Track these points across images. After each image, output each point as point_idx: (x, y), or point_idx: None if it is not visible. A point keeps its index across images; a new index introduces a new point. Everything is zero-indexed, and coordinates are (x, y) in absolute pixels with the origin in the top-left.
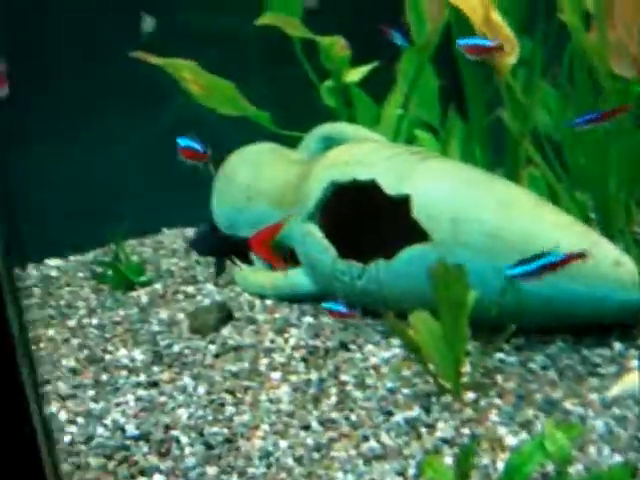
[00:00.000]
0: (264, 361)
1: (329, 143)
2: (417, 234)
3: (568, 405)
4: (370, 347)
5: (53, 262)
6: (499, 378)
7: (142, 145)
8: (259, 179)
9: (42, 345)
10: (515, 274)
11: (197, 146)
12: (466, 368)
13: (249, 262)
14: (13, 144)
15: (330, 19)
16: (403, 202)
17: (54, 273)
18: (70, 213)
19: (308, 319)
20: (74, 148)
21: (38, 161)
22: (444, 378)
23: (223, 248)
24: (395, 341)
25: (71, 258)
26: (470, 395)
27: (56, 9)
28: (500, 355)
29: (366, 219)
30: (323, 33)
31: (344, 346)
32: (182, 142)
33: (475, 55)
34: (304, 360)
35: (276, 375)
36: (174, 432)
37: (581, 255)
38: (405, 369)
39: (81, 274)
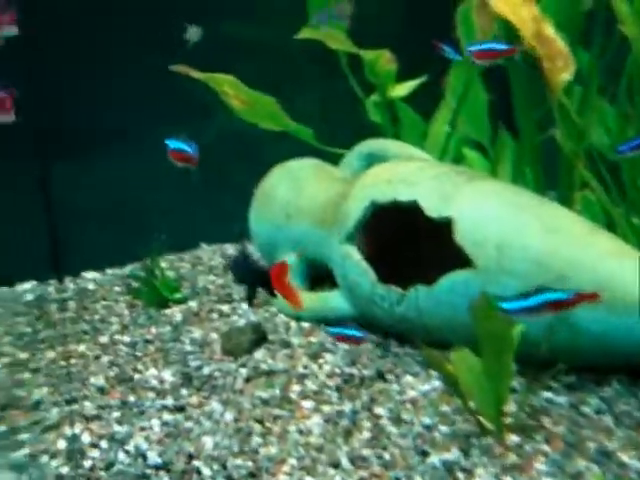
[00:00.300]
0: (296, 388)
1: (372, 160)
2: (460, 260)
3: (625, 457)
4: (408, 378)
5: (90, 275)
6: (547, 421)
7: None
8: (300, 196)
9: (73, 361)
10: (508, 309)
11: (187, 148)
12: (510, 407)
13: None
14: (56, 157)
15: (376, 33)
16: (446, 225)
17: (91, 286)
18: (110, 226)
19: (344, 345)
20: (115, 162)
21: (80, 174)
22: (485, 417)
23: (254, 276)
24: (435, 373)
25: (109, 271)
26: (514, 438)
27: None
28: (548, 394)
29: (407, 241)
30: (369, 47)
31: (381, 376)
32: (172, 144)
33: (486, 60)
34: (338, 389)
35: (308, 404)
36: (196, 462)
37: (593, 296)
38: (444, 404)
39: (117, 288)
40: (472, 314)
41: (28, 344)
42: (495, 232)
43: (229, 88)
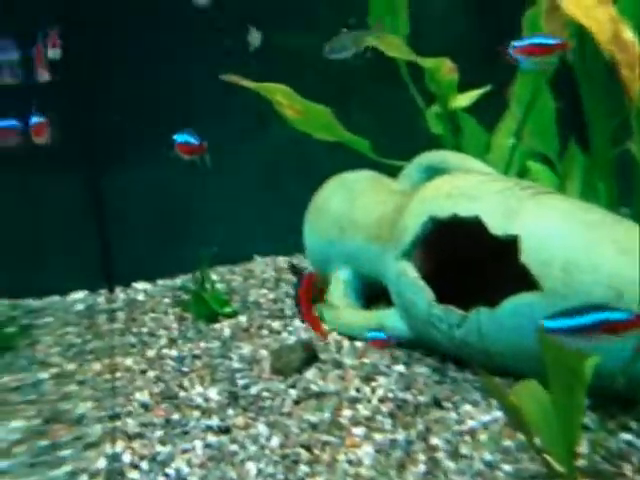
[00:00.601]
0: (347, 413)
1: (432, 173)
2: (525, 281)
3: None
4: (467, 407)
5: (141, 285)
6: (627, 468)
7: (239, 171)
8: (354, 209)
9: (118, 374)
10: (552, 328)
11: (193, 140)
12: (582, 448)
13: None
14: (109, 168)
15: (437, 40)
16: (511, 243)
17: (141, 297)
18: (162, 236)
19: (399, 368)
20: (168, 172)
21: (132, 185)
22: (554, 457)
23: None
24: (497, 402)
25: (159, 282)
26: None
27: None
28: (627, 436)
29: (468, 260)
30: (431, 54)
31: (437, 403)
32: (179, 138)
33: (533, 56)
34: (391, 415)
35: (359, 431)
36: None
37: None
38: (507, 439)
39: (167, 300)
40: (539, 341)
41: (76, 355)
42: (563, 252)
43: (282, 98)
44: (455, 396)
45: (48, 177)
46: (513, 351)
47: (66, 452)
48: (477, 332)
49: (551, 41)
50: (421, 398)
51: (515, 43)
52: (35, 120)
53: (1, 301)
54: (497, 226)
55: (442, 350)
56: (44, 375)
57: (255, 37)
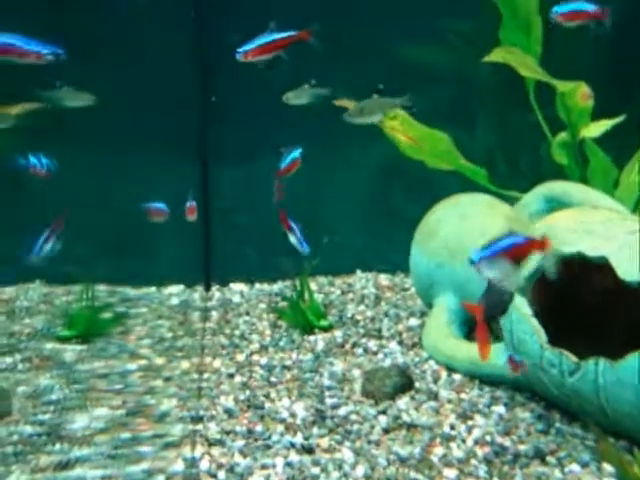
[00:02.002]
0: (439, 450)
1: (553, 204)
2: None
3: None
4: (574, 467)
5: (238, 287)
6: None
7: (350, 184)
8: (466, 234)
9: (206, 375)
10: (477, 259)
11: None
12: None
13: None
14: (218, 167)
15: (570, 63)
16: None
17: (236, 299)
18: (266, 240)
19: (500, 409)
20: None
21: (241, 186)
22: None
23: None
24: (610, 467)
25: (257, 286)
26: None
27: None
28: None
29: (589, 302)
30: (561, 78)
31: (540, 455)
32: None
33: (572, 21)
34: (487, 461)
35: (450, 473)
36: None
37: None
38: None
39: (263, 305)
40: None
41: (166, 350)
42: None
43: (399, 124)
44: (561, 451)
45: (160, 168)
46: (632, 413)
47: (146, 448)
48: (592, 384)
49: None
50: (522, 447)
51: (556, 8)
52: None
53: (100, 286)
54: (627, 272)
55: (549, 397)
56: (132, 366)
57: None
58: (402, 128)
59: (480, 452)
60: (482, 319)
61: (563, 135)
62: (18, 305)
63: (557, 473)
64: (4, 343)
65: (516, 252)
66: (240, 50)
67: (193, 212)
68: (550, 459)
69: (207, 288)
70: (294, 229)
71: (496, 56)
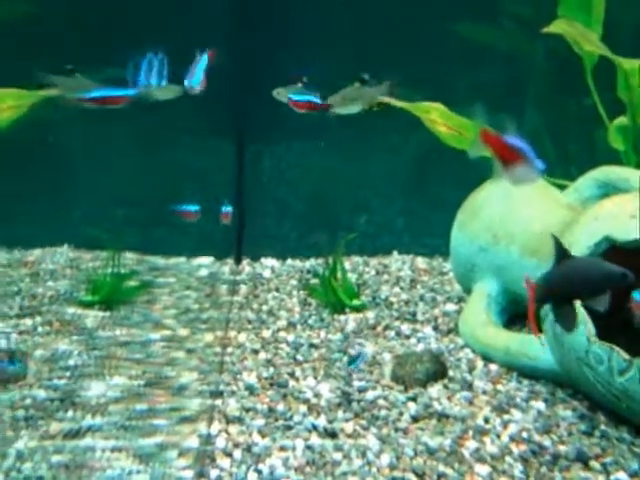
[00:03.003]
0: (471, 444)
1: (607, 190)
2: None
3: None
4: (621, 476)
5: (269, 262)
6: None
7: (391, 163)
8: (513, 218)
9: (229, 350)
10: None
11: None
12: None
13: None
14: (256, 142)
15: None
16: None
17: (267, 274)
18: (302, 216)
19: (539, 405)
20: (316, 155)
21: (278, 162)
22: None
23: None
24: None
25: (289, 262)
26: None
27: None
28: None
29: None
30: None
31: (583, 459)
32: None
33: None
34: (523, 460)
35: (482, 469)
36: None
37: None
38: None
39: (294, 282)
40: None
41: (190, 321)
42: None
43: (437, 116)
44: (606, 457)
45: (197, 145)
46: None
47: (160, 421)
48: None
49: None
50: (562, 448)
51: None
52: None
53: (130, 254)
54: None
55: (594, 396)
56: (155, 336)
57: None
58: (441, 120)
59: (516, 449)
60: (532, 299)
61: (622, 119)
62: (43, 268)
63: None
64: (25, 305)
65: None
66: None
67: (228, 217)
68: (594, 464)
69: (238, 262)
70: None
71: (557, 27)
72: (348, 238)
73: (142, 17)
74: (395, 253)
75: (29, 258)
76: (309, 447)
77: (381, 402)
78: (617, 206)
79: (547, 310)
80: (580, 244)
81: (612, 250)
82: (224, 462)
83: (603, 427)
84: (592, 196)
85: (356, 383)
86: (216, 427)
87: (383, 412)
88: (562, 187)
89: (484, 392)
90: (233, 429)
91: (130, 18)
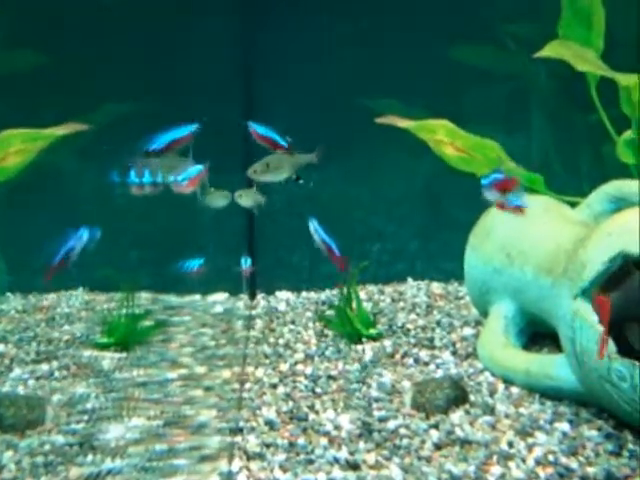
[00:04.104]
0: (496, 470)
1: (619, 204)
2: None
3: None
4: None
5: (284, 295)
6: None
7: (402, 190)
8: (525, 237)
9: (247, 386)
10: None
11: None
12: None
13: None
14: None
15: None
16: None
17: (282, 307)
18: (314, 247)
19: (564, 426)
20: (331, 184)
21: (292, 190)
22: None
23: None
24: None
25: (304, 294)
26: None
27: None
28: None
29: None
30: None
31: None
32: None
33: None
34: None
35: None
36: None
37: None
38: None
39: (309, 314)
40: None
41: (207, 359)
42: None
43: (444, 135)
44: (636, 477)
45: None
46: None
47: (181, 461)
48: None
49: None
50: (590, 470)
51: None
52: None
53: (144, 294)
54: None
55: (619, 414)
56: (172, 375)
57: None
58: (448, 139)
59: (542, 473)
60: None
61: (629, 133)
62: (59, 312)
63: None
64: (42, 350)
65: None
66: None
67: (247, 273)
68: None
69: (252, 296)
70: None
71: (550, 51)
72: (361, 266)
73: None
74: (410, 280)
75: (44, 303)
76: None
77: (402, 431)
78: (630, 220)
79: (567, 331)
80: (595, 260)
81: (631, 266)
82: None
83: (631, 446)
84: (604, 211)
85: (376, 413)
86: (237, 464)
87: (405, 441)
88: (573, 204)
89: (506, 416)
90: (254, 465)
91: None
